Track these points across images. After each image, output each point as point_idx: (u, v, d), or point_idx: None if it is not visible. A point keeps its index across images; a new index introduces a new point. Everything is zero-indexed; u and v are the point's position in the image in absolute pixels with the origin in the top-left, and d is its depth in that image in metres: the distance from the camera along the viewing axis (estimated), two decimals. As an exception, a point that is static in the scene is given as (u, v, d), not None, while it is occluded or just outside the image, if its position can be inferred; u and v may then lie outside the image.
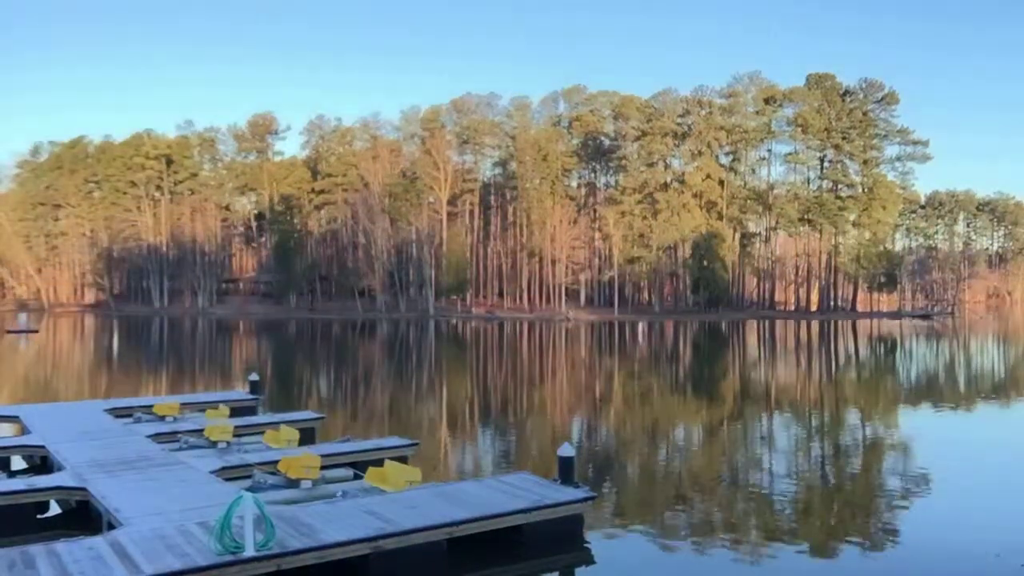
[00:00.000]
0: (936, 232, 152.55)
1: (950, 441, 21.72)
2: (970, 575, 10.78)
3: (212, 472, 13.44)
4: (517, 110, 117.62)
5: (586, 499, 11.90)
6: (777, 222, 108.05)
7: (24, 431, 17.80)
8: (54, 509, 13.10)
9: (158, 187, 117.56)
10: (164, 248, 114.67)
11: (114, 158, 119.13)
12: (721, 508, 14.30)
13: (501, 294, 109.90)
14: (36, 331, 67.65)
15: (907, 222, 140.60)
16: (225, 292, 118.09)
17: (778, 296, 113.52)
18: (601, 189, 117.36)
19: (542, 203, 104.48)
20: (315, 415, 20.22)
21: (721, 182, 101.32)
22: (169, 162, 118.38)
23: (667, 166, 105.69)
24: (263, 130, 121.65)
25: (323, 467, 13.48)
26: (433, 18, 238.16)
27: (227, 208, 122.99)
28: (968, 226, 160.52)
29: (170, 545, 9.38)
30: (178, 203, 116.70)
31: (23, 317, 73.09)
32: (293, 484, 12.77)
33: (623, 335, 68.22)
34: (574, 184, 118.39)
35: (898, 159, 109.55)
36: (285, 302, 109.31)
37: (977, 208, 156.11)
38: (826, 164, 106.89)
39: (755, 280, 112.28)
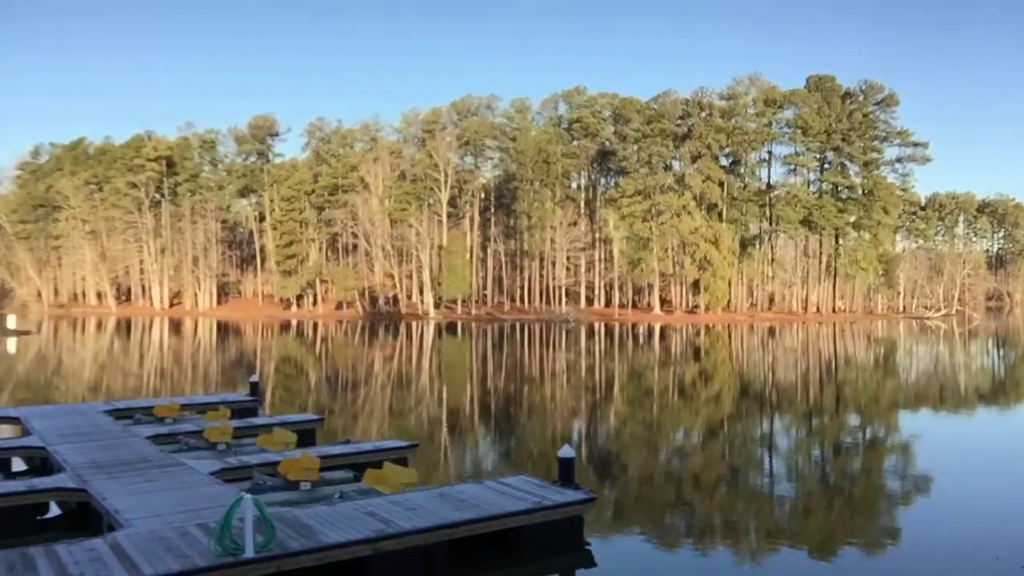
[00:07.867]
0: (936, 234, 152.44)
1: (951, 442, 21.73)
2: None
3: (212, 474, 13.44)
4: (517, 112, 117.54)
5: (586, 501, 11.89)
6: (777, 224, 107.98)
7: (24, 432, 17.81)
8: (54, 511, 13.11)
9: (158, 189, 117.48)
10: (164, 249, 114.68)
11: (114, 160, 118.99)
12: (721, 509, 14.30)
13: (502, 295, 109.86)
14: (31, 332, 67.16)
15: (907, 224, 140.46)
16: (225, 294, 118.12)
17: (777, 298, 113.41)
18: (602, 191, 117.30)
19: (543, 205, 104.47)
20: (314, 417, 20.22)
21: (721, 184, 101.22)
22: (170, 164, 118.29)
23: (667, 168, 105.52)
24: (263, 132, 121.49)
25: (322, 469, 13.48)
26: (433, 19, 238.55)
27: (227, 210, 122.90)
28: (968, 228, 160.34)
29: (170, 547, 9.38)
30: (179, 205, 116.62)
31: (12, 318, 71.32)
32: (293, 486, 12.76)
33: (623, 337, 68.21)
34: (575, 186, 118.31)
35: (898, 161, 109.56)
36: (285, 304, 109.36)
37: (977, 210, 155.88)
38: (826, 166, 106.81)
39: (755, 282, 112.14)
